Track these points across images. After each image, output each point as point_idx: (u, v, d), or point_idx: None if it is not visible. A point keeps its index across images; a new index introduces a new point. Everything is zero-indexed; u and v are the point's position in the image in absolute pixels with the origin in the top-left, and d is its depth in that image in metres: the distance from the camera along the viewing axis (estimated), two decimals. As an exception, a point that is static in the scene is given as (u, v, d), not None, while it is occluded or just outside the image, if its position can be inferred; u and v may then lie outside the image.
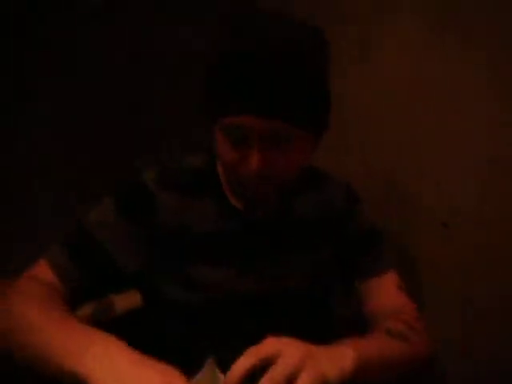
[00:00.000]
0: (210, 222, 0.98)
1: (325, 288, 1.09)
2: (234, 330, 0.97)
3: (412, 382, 0.95)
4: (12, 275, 1.15)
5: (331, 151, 1.36)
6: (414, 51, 1.50)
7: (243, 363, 0.72)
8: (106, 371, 0.67)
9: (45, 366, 0.73)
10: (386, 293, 1.07)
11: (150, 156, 1.03)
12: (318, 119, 0.89)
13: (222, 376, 0.79)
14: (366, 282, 1.08)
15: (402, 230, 1.55)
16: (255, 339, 0.75)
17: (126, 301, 1.27)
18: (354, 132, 1.64)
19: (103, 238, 0.93)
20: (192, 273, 0.96)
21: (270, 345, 0.74)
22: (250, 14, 0.87)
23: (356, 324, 1.07)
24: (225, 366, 0.75)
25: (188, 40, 1.77)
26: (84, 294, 0.94)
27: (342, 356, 0.79)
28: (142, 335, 0.93)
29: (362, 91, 1.61)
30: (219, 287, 0.97)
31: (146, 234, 0.94)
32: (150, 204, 0.95)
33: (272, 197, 0.93)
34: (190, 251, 0.96)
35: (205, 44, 1.22)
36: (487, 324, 1.42)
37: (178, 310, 0.97)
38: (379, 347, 0.87)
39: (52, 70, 1.58)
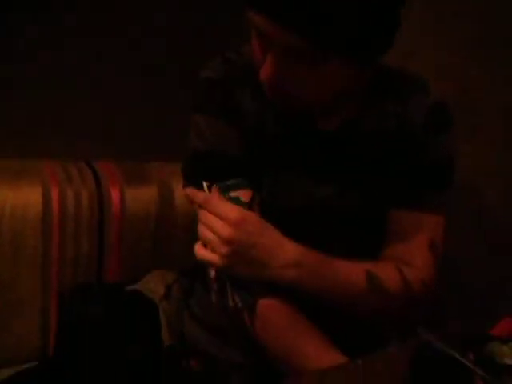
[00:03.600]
0: (280, 124, 0.94)
1: (380, 209, 0.98)
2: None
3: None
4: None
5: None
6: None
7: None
8: None
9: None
10: (411, 236, 0.94)
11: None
12: (353, 43, 0.76)
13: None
14: (402, 211, 0.95)
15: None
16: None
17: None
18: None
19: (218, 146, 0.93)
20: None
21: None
22: None
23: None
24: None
25: None
26: None
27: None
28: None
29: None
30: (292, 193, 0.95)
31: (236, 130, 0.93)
32: (229, 99, 0.93)
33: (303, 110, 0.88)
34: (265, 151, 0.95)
35: None
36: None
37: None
38: (337, 272, 0.88)
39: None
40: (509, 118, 1.31)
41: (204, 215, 0.87)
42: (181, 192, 1.35)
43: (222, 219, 0.85)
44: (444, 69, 1.35)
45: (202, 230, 0.87)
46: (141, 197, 1.35)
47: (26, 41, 1.41)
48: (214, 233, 0.85)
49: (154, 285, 1.18)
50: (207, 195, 0.88)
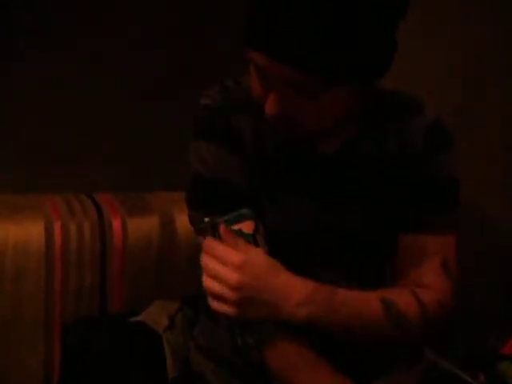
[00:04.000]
0: (281, 150, 0.95)
1: (381, 232, 0.98)
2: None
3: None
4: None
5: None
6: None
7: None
8: None
9: None
10: (422, 260, 0.93)
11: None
12: (351, 71, 0.77)
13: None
14: (409, 236, 0.95)
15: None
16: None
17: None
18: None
19: (221, 174, 0.92)
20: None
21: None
22: None
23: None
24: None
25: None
26: None
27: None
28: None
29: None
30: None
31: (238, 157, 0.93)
32: (229, 127, 0.93)
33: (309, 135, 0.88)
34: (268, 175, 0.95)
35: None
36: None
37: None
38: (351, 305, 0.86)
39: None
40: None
41: (207, 264, 0.84)
42: (182, 221, 1.36)
43: (225, 264, 0.82)
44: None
45: (208, 283, 0.83)
46: (142, 227, 1.35)
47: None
48: (221, 281, 0.82)
49: (157, 315, 1.17)
50: (208, 241, 0.86)
